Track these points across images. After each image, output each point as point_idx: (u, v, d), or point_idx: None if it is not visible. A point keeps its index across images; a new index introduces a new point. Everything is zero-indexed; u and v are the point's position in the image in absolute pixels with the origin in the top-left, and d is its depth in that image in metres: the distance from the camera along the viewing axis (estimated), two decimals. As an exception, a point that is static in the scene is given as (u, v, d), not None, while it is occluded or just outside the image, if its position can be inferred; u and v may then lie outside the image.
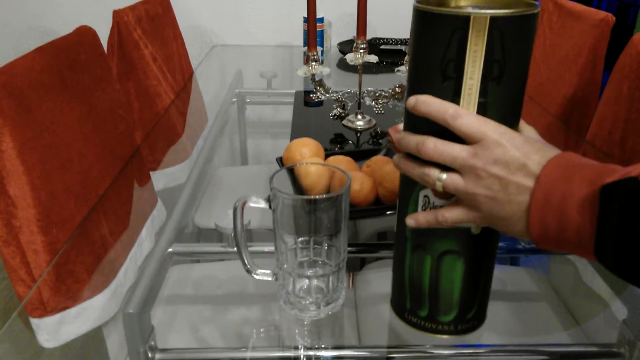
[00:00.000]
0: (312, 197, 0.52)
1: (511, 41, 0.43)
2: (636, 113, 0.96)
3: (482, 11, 0.42)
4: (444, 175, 0.46)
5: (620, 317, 0.70)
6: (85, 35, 0.96)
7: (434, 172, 0.46)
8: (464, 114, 0.44)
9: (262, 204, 0.54)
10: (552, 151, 0.44)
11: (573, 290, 0.79)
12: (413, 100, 0.46)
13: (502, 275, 0.81)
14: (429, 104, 0.45)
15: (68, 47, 0.89)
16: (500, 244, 0.55)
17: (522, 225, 0.44)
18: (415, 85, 0.48)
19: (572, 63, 1.27)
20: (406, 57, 1.07)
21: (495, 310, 0.59)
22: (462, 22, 0.43)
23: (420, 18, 0.46)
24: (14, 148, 0.70)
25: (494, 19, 0.42)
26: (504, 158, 0.43)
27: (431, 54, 0.45)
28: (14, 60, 0.75)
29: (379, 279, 0.75)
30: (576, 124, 1.24)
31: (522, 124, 0.49)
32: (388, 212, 0.75)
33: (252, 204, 0.54)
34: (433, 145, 0.45)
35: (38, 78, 0.78)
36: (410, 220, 0.50)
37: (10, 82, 0.72)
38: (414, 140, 0.46)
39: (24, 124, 0.73)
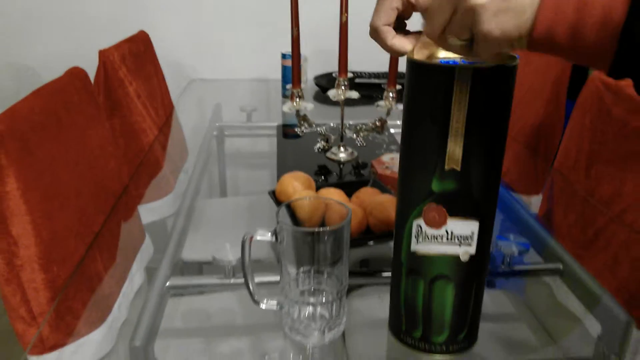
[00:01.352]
0: (317, 229, 0.56)
1: (492, 90, 0.49)
2: (598, 144, 1.04)
3: (466, 64, 0.48)
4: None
5: (595, 333, 0.75)
6: (77, 76, 0.99)
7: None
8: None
9: (269, 237, 0.58)
10: None
11: (549, 310, 0.83)
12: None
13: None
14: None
15: (62, 88, 0.92)
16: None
17: (528, 21, 0.41)
18: (409, 127, 0.53)
19: (537, 95, 1.36)
20: (385, 93, 1.13)
21: (480, 331, 0.63)
22: (447, 73, 0.48)
23: (413, 68, 0.51)
24: (18, 189, 0.72)
25: (476, 71, 0.48)
26: None
27: (422, 100, 0.51)
28: (15, 104, 0.78)
29: (365, 306, 0.78)
30: (544, 151, 1.32)
31: None
32: (378, 240, 0.80)
33: (259, 237, 0.58)
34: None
35: (38, 120, 0.81)
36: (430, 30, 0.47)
37: (14, 125, 0.74)
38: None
39: (27, 165, 0.75)
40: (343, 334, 0.67)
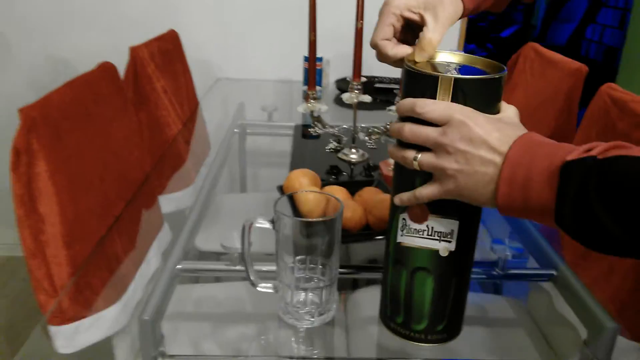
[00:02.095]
0: (310, 219, 0.61)
1: (473, 99, 0.52)
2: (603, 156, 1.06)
3: (448, 74, 0.52)
4: (419, 155, 0.53)
5: (582, 338, 0.78)
6: (107, 70, 1.06)
7: (410, 153, 0.54)
8: (430, 102, 0.52)
9: (267, 225, 0.63)
10: (513, 129, 0.51)
11: (545, 316, 0.85)
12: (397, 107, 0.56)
13: (484, 304, 0.88)
14: (401, 104, 0.54)
15: (93, 81, 0.99)
16: (476, 269, 0.63)
17: (487, 195, 0.50)
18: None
19: (550, 106, 1.38)
20: (396, 98, 1.18)
21: (477, 334, 0.66)
22: (432, 81, 0.53)
23: (406, 74, 0.56)
24: (47, 171, 0.79)
25: (457, 81, 0.52)
26: (468, 135, 0.50)
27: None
28: (48, 93, 0.85)
29: (369, 301, 0.82)
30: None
31: (503, 105, 0.55)
32: (377, 237, 0.84)
33: (258, 225, 0.63)
34: (409, 128, 0.53)
35: (68, 109, 0.88)
36: (397, 199, 0.58)
37: (46, 112, 0.81)
38: (396, 126, 0.55)
39: (56, 150, 0.82)
40: (346, 329, 0.71)
